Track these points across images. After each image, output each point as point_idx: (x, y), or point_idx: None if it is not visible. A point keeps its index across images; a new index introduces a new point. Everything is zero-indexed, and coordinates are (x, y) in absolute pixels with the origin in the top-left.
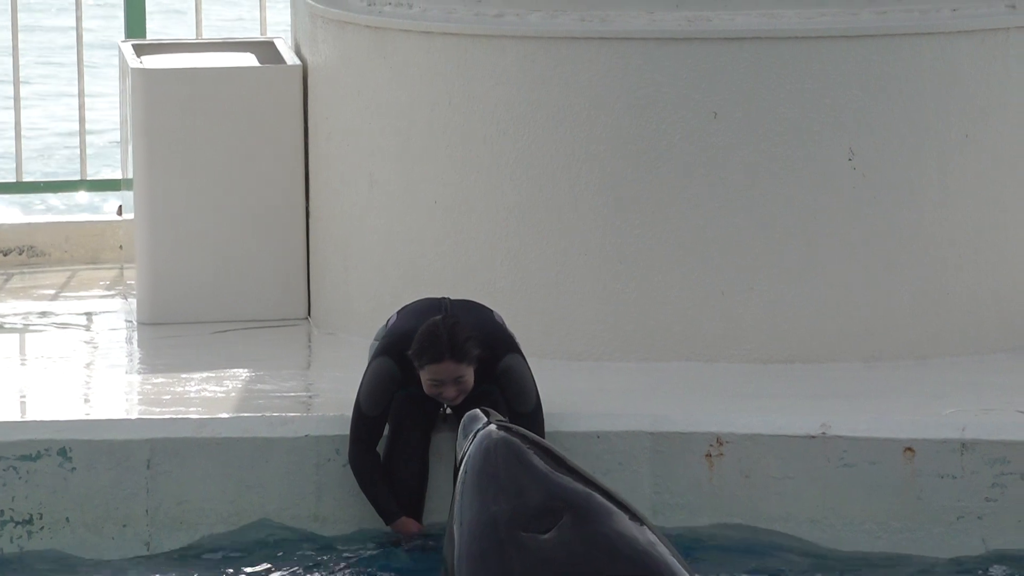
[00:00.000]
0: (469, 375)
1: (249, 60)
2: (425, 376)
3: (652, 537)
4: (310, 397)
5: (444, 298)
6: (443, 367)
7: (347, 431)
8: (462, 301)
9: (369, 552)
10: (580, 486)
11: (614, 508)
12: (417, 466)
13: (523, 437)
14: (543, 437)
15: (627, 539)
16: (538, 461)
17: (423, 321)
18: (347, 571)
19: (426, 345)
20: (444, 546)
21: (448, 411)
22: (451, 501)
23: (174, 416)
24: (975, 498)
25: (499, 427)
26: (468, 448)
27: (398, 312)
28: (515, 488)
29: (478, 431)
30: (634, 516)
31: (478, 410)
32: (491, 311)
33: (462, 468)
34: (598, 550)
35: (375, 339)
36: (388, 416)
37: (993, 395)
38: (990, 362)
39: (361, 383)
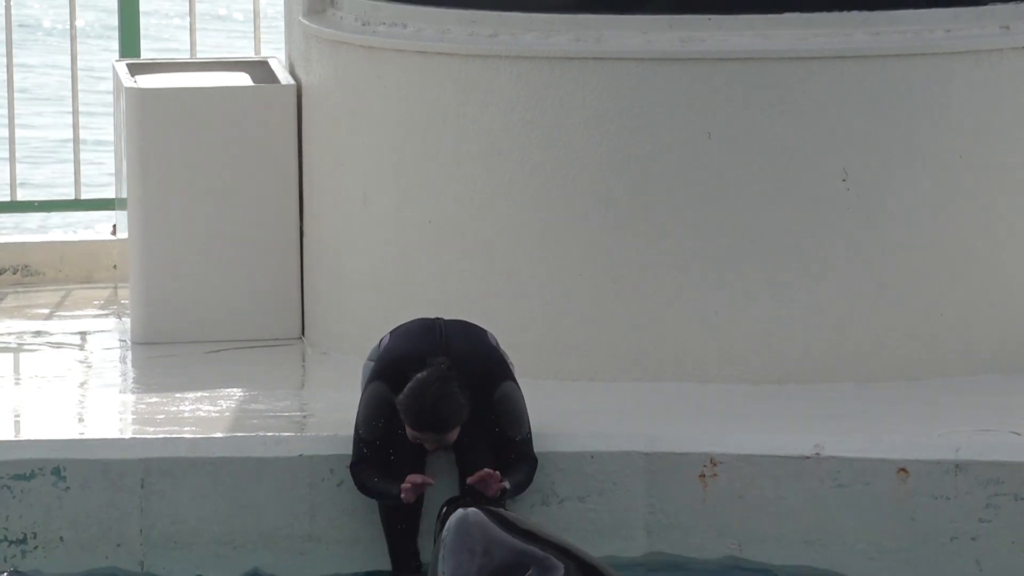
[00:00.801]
0: (453, 435)
1: (243, 80)
2: (408, 430)
3: None
4: (304, 417)
5: (438, 319)
6: (427, 436)
7: (341, 451)
8: (456, 322)
9: (362, 573)
10: (544, 546)
11: (579, 563)
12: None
13: (492, 513)
14: (534, 462)
15: None
16: (506, 529)
17: (416, 344)
18: None
19: (409, 408)
20: None
21: None
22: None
23: (168, 436)
24: (969, 519)
25: (473, 506)
26: (446, 524)
27: (391, 332)
28: (484, 551)
29: (451, 509)
30: (599, 571)
31: (454, 499)
32: (485, 332)
33: (439, 545)
34: None
35: (368, 359)
36: (388, 438)
37: (987, 416)
38: (984, 383)
39: (358, 408)
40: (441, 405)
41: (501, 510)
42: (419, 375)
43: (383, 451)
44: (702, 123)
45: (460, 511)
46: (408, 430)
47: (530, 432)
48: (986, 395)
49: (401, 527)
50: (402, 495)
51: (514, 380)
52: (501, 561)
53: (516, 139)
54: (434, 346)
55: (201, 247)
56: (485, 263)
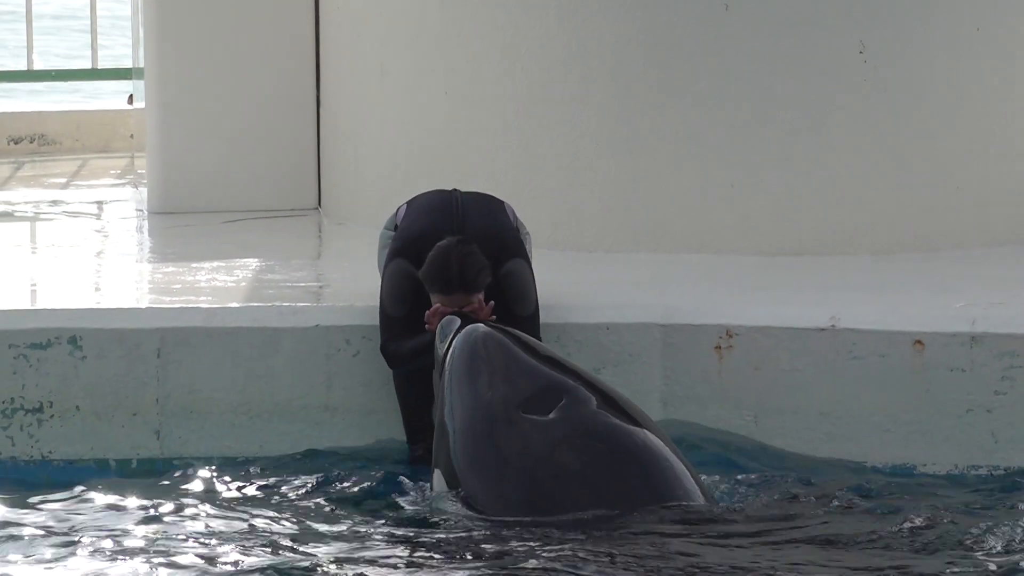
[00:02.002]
0: (478, 299)
1: None
2: (434, 299)
3: (642, 420)
4: (320, 287)
5: (455, 190)
6: (453, 298)
7: (358, 321)
8: (473, 195)
9: (377, 444)
10: (568, 373)
11: (604, 394)
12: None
13: (505, 331)
14: (539, 340)
15: (622, 422)
16: (525, 351)
17: (433, 221)
18: (354, 465)
19: (437, 275)
20: (435, 444)
21: None
22: (438, 401)
23: (184, 305)
24: (984, 391)
25: (482, 323)
26: (453, 345)
27: (408, 203)
28: (508, 375)
29: (459, 330)
30: (623, 401)
31: (454, 315)
32: (503, 204)
33: (448, 366)
34: (597, 431)
35: (385, 227)
36: (414, 312)
37: (1003, 288)
38: (1000, 255)
39: (382, 287)
40: (466, 266)
41: (515, 330)
42: (438, 244)
43: (410, 325)
44: None
45: (472, 328)
46: (436, 299)
47: (537, 312)
48: (1002, 267)
49: (416, 400)
50: (427, 325)
51: (524, 258)
52: (528, 386)
53: (534, 10)
54: (450, 223)
55: (218, 117)
56: (501, 134)
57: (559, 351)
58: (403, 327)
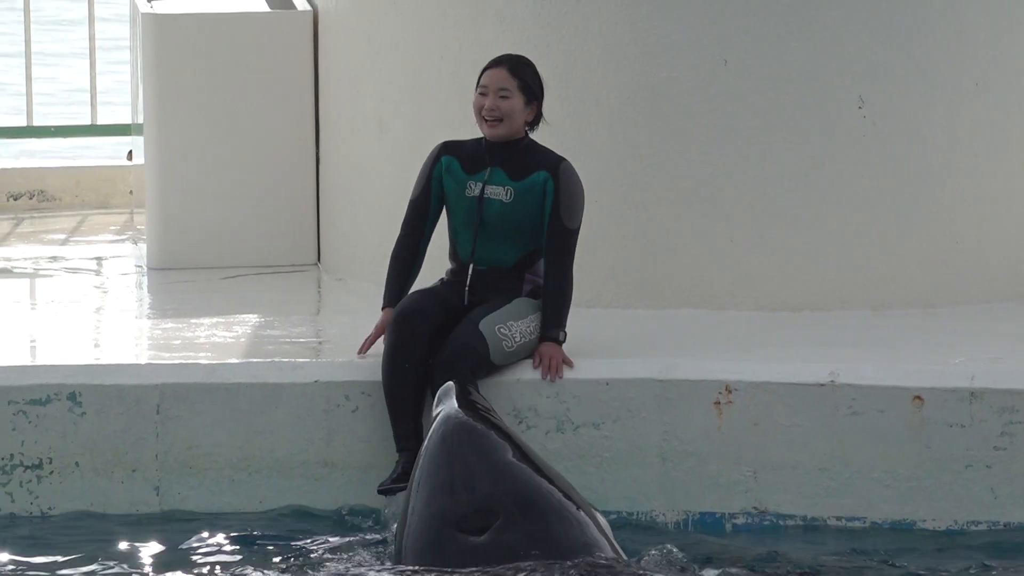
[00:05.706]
0: (514, 97)
1: (260, 5)
2: (480, 84)
3: (591, 539)
4: (319, 343)
5: None
6: (495, 72)
7: (356, 377)
8: None
9: (376, 499)
10: (523, 486)
11: (554, 510)
12: (419, 358)
13: (483, 424)
14: (571, 262)
15: (561, 543)
16: (489, 454)
17: None
18: (352, 521)
19: (493, 59)
20: (399, 519)
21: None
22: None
23: (184, 361)
24: (984, 447)
25: (462, 411)
26: (434, 421)
27: None
28: (460, 483)
29: (444, 407)
30: (575, 518)
31: (452, 384)
32: None
33: (425, 443)
34: (528, 554)
35: None
36: (431, 200)
37: (1002, 344)
38: (999, 311)
39: None
40: (523, 58)
41: (492, 419)
42: None
43: (422, 215)
44: (718, 50)
45: (447, 415)
46: (478, 90)
47: (578, 231)
48: (1001, 323)
49: (403, 408)
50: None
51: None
52: (470, 500)
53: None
54: None
55: (217, 173)
56: None
57: (557, 407)
58: (415, 212)
